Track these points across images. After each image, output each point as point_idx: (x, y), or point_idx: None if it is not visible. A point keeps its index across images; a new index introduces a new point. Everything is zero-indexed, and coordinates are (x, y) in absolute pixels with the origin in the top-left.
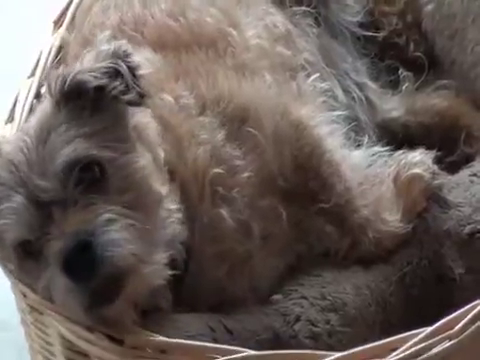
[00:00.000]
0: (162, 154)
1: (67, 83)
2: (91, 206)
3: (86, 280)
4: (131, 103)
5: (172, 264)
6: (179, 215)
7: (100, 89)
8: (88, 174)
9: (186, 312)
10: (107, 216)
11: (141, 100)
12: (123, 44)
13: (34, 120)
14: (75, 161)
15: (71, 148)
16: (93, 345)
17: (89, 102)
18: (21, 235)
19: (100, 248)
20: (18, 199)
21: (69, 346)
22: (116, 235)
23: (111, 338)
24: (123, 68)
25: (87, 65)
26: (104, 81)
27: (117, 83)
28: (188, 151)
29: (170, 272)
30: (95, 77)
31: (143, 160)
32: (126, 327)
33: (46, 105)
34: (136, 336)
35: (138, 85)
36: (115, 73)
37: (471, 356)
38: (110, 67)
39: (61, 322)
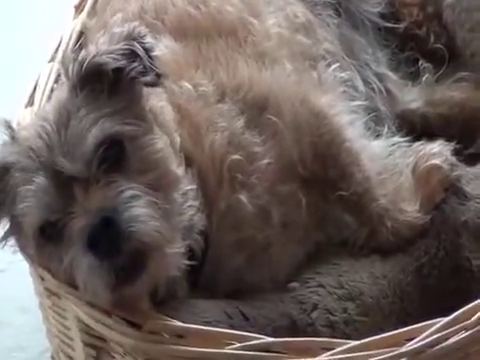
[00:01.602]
0: (178, 139)
1: (85, 66)
2: (113, 184)
3: (111, 256)
4: (149, 84)
5: (189, 254)
6: (196, 202)
7: (118, 71)
8: (111, 153)
9: (203, 298)
10: (130, 193)
11: (158, 81)
12: (136, 25)
13: (50, 106)
14: (103, 140)
15: (98, 129)
16: (111, 329)
17: (107, 84)
18: (42, 217)
19: (124, 224)
20: (38, 182)
21: (87, 330)
22: (140, 211)
23: (129, 322)
24: (139, 49)
25: (103, 47)
26: (123, 62)
27: (135, 64)
28: (205, 138)
29: (187, 262)
30: (113, 59)
31: (161, 142)
32: (143, 311)
33: (62, 90)
34: (154, 321)
35: (155, 66)
36: (132, 54)
37: None
38: (126, 49)
39: (79, 306)
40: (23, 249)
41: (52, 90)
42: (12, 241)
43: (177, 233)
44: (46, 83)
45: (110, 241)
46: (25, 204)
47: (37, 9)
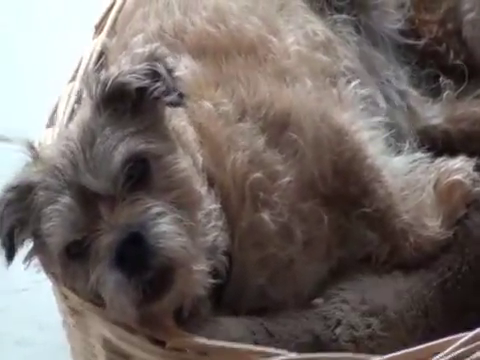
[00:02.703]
0: (200, 158)
1: (108, 85)
2: (139, 201)
3: (138, 272)
4: (172, 104)
5: (213, 273)
6: (219, 222)
7: (142, 90)
8: (136, 171)
9: (227, 315)
10: (157, 209)
11: (181, 101)
12: (158, 46)
13: (74, 126)
14: (129, 158)
15: (124, 147)
16: (135, 347)
17: (130, 104)
18: (68, 237)
19: (152, 239)
20: (63, 201)
21: (111, 348)
22: (166, 227)
23: (153, 340)
24: (161, 70)
25: (126, 67)
26: (146, 82)
27: (158, 84)
28: (227, 157)
29: (212, 281)
30: (137, 78)
31: (184, 161)
32: (167, 328)
33: (85, 110)
34: (178, 338)
35: (177, 86)
36: (154, 75)
37: None
38: (149, 69)
39: (103, 324)
40: (47, 268)
41: (73, 110)
42: (35, 260)
43: (202, 252)
44: (67, 103)
45: (138, 257)
46: (50, 224)
47: (57, 29)
